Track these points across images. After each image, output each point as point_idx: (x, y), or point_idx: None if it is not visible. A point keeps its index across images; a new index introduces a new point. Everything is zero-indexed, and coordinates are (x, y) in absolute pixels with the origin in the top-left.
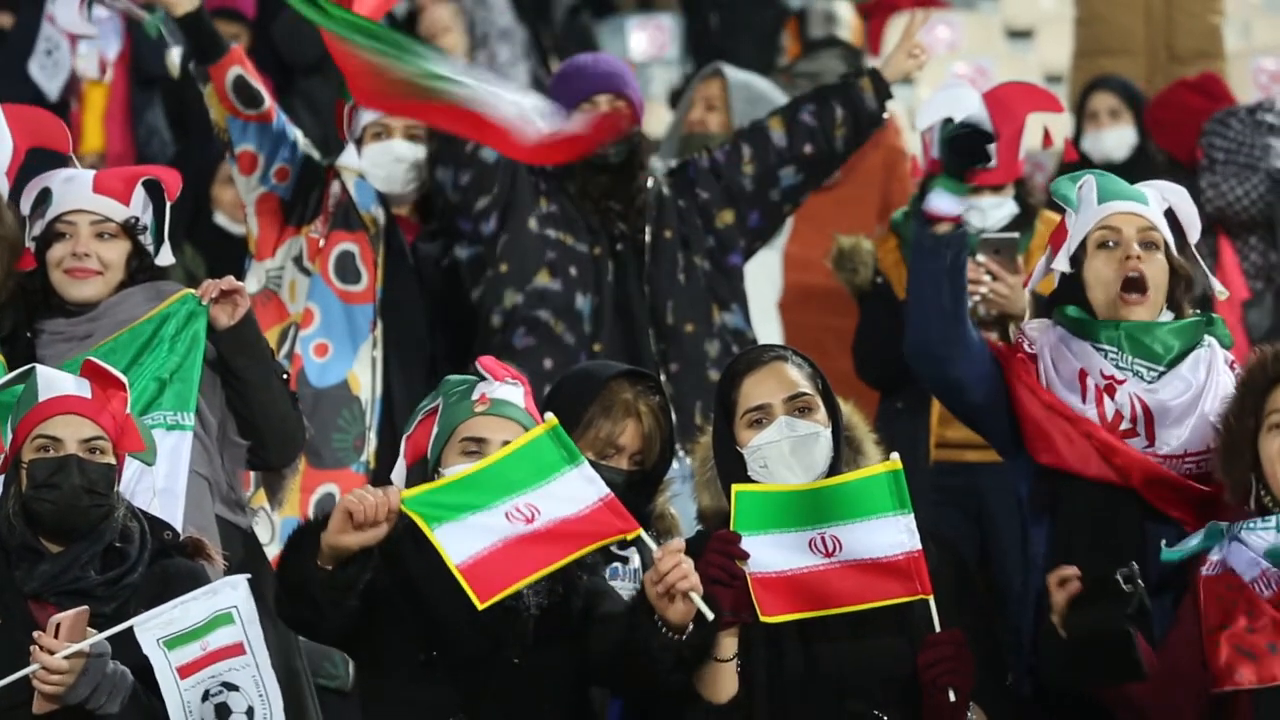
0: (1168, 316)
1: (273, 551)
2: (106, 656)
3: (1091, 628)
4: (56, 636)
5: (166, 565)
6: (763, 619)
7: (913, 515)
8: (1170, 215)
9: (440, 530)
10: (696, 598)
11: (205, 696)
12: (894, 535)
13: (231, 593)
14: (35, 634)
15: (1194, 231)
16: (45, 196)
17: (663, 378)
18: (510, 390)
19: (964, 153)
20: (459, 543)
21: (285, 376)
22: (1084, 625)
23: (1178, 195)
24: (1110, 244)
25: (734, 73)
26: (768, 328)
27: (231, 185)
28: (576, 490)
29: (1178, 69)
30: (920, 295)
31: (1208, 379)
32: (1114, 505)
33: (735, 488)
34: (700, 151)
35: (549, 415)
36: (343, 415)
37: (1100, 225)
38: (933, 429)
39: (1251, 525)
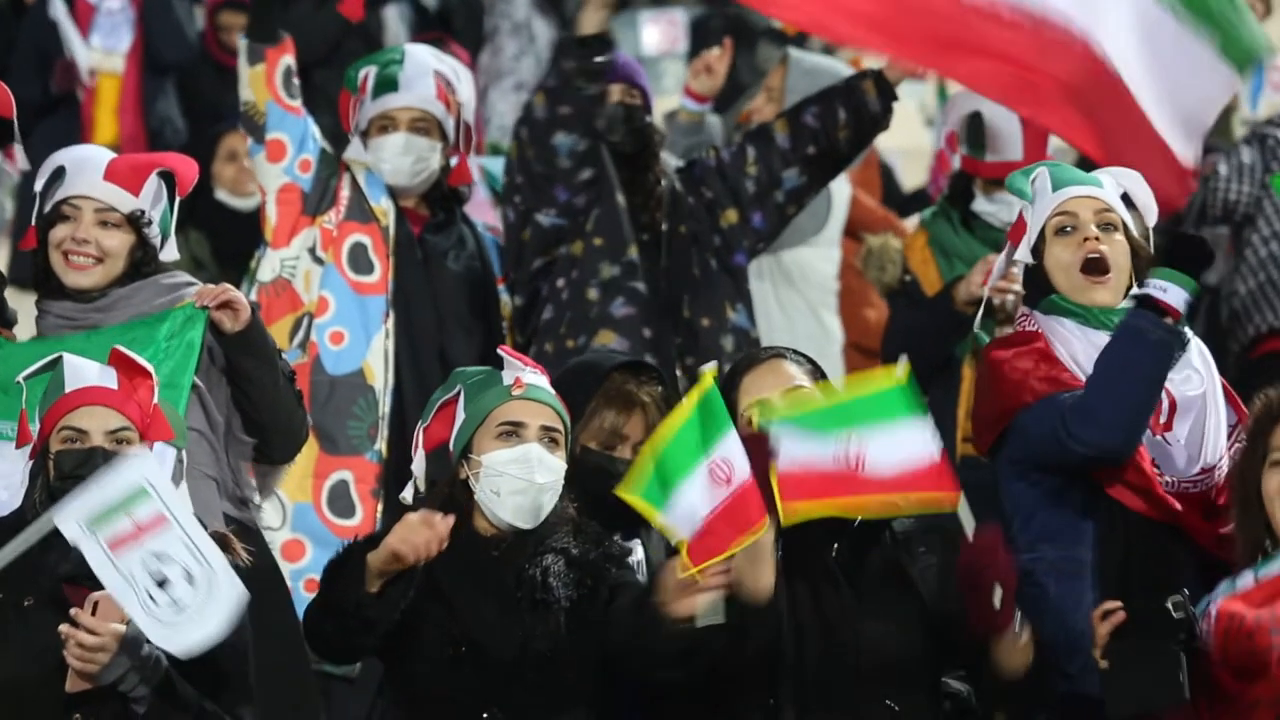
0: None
1: (281, 536)
2: (142, 640)
3: (1139, 654)
4: (94, 615)
5: None
6: (785, 522)
7: (929, 419)
8: (1126, 199)
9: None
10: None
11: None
12: (916, 436)
13: (139, 466)
14: (72, 611)
15: (1150, 215)
16: (59, 175)
17: (679, 372)
18: (539, 377)
19: (1187, 259)
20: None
21: (291, 376)
22: (1130, 653)
23: (1132, 180)
24: (1068, 229)
25: (799, 57)
26: (829, 317)
27: (232, 162)
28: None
29: None
30: (1130, 391)
31: (1206, 370)
32: (1172, 542)
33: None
34: (707, 151)
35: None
36: (358, 403)
37: (1057, 211)
38: (960, 424)
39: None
